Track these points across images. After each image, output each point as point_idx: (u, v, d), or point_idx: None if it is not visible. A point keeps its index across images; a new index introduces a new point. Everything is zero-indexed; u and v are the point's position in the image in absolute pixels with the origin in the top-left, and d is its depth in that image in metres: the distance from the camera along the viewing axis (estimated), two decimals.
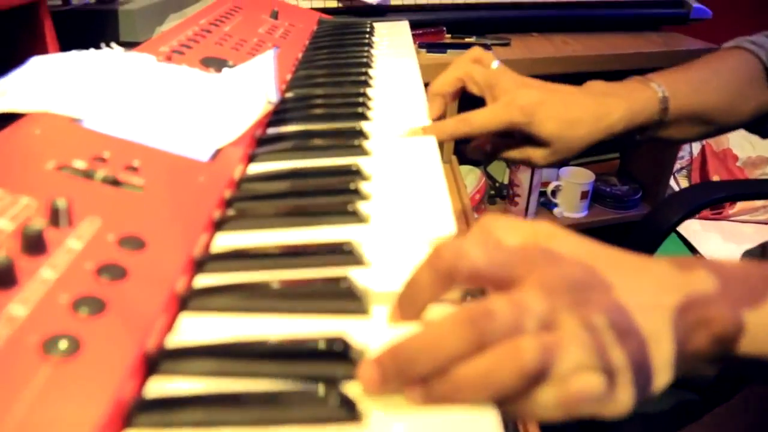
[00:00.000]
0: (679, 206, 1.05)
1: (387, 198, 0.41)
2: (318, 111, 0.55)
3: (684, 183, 2.23)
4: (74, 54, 0.53)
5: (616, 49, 1.19)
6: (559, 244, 0.30)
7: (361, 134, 0.49)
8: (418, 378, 0.25)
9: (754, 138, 2.53)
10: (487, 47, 1.11)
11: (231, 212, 0.39)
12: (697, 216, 2.15)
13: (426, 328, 0.26)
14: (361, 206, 0.38)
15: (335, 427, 0.24)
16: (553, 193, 1.37)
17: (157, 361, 0.27)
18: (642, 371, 0.27)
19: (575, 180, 1.35)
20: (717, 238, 2.10)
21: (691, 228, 2.09)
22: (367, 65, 0.70)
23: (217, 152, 0.44)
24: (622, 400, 0.27)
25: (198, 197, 0.39)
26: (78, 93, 0.46)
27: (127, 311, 0.28)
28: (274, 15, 0.85)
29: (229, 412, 0.24)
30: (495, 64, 0.58)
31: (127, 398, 0.25)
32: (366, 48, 0.76)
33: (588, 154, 1.55)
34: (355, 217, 0.37)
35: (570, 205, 1.38)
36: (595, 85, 0.59)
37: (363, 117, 0.54)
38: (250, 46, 0.70)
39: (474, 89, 0.56)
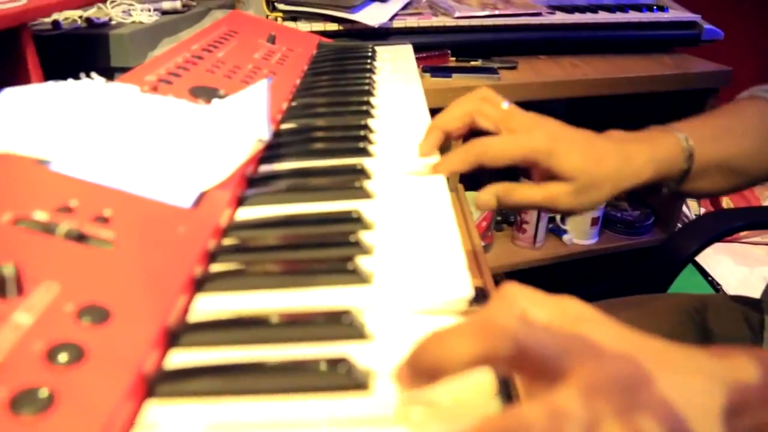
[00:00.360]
0: (696, 236, 1.01)
1: (392, 251, 0.36)
2: (316, 145, 0.51)
3: (693, 205, 2.19)
4: (50, 85, 0.49)
5: (626, 72, 1.15)
6: (596, 332, 0.25)
7: (362, 173, 0.45)
8: None
9: None
10: (493, 71, 1.07)
11: (215, 269, 0.34)
12: None
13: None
14: (362, 262, 0.33)
15: None
16: (563, 219, 1.32)
17: None
18: None
19: None
20: (728, 262, 2.04)
21: (702, 252, 2.03)
22: (369, 93, 0.65)
23: (202, 196, 0.39)
24: None
25: (176, 251, 0.34)
26: (48, 131, 0.41)
27: (80, 405, 0.23)
28: (272, 39, 0.81)
29: None
30: (505, 104, 0.52)
31: None
32: (368, 74, 0.71)
33: None
34: (356, 276, 0.32)
35: (580, 231, 1.33)
36: (615, 133, 0.54)
37: (365, 153, 0.49)
38: (244, 73, 0.66)
39: (486, 124, 0.50)
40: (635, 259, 1.43)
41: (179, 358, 0.28)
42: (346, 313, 0.29)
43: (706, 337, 0.82)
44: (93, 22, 0.94)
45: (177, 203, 0.38)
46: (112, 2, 0.99)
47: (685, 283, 1.78)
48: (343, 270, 0.32)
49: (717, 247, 2.08)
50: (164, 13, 1.04)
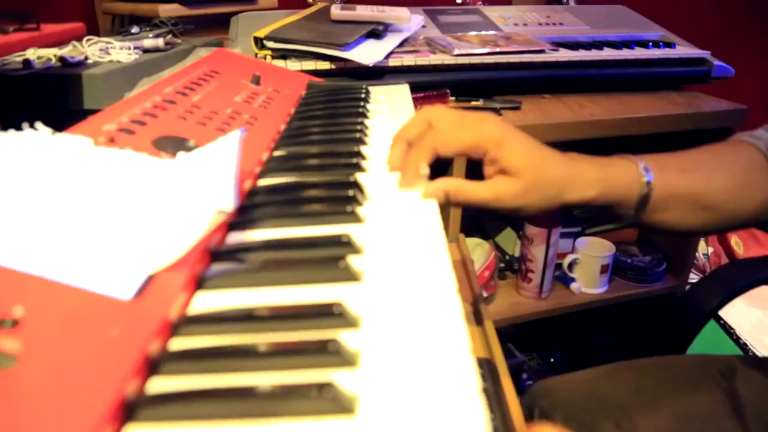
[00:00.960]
0: (718, 289, 0.93)
1: (390, 366, 0.28)
2: (297, 209, 0.43)
3: (702, 247, 2.11)
4: None
5: (636, 111, 1.08)
6: None
7: (349, 246, 0.37)
8: None
9: None
10: (496, 111, 1.01)
11: (154, 386, 0.26)
12: None
13: None
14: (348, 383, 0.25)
15: None
16: (570, 266, 1.24)
17: None
18: None
19: (594, 252, 1.23)
20: (741, 304, 1.96)
21: (725, 305, 1.95)
22: (361, 141, 0.58)
23: (148, 282, 0.32)
24: None
25: (104, 367, 0.26)
26: None
27: None
28: (256, 80, 0.74)
29: None
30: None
31: None
32: (360, 119, 0.64)
33: (604, 221, 1.43)
34: (333, 403, 0.24)
35: (589, 280, 1.24)
36: (571, 154, 0.55)
37: (354, 218, 0.41)
38: (221, 119, 0.58)
39: (442, 125, 0.51)
40: (647, 307, 1.35)
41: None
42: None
43: (736, 404, 0.74)
44: (67, 61, 0.87)
45: (115, 294, 0.30)
46: (88, 40, 0.93)
47: (706, 341, 1.68)
48: (322, 389, 0.24)
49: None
50: (146, 51, 0.98)
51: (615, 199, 0.55)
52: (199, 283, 0.35)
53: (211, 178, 0.37)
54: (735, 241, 2.13)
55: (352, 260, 0.35)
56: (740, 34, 2.21)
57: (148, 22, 1.19)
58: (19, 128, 0.45)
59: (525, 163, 0.50)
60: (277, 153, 0.57)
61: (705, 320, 0.92)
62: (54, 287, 0.29)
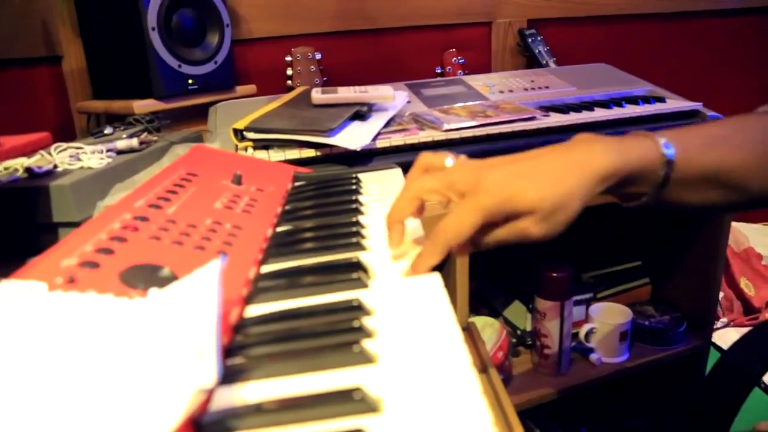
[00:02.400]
0: (756, 356, 0.85)
1: None
2: (297, 344, 0.36)
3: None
4: None
5: None
6: None
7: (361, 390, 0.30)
8: None
9: None
10: None
11: None
12: (733, 324, 1.95)
13: None
14: None
15: None
16: (587, 336, 1.17)
17: None
18: None
19: (610, 320, 1.15)
20: None
21: (728, 337, 1.87)
22: (359, 245, 0.52)
23: None
24: None
25: None
26: None
27: None
28: (237, 180, 0.68)
29: None
30: (449, 161, 0.53)
31: None
32: (354, 217, 0.58)
33: (615, 282, 1.37)
34: None
35: (608, 349, 1.16)
36: (582, 135, 0.52)
37: (364, 359, 0.34)
38: (200, 234, 0.52)
39: (435, 199, 0.50)
40: (672, 372, 1.26)
41: None
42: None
43: None
44: (33, 171, 0.81)
45: None
46: (57, 147, 0.87)
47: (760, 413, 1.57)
48: None
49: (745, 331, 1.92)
50: (120, 152, 0.93)
51: (634, 178, 0.51)
52: None
53: (188, 332, 0.30)
54: (744, 283, 2.07)
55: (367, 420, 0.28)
56: (726, 83, 2.23)
57: (122, 120, 1.14)
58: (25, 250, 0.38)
59: (537, 202, 0.46)
60: (266, 268, 0.50)
61: (750, 387, 0.83)
62: None
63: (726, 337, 1.88)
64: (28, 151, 0.74)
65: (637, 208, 0.57)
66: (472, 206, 0.47)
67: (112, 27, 1.22)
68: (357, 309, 0.39)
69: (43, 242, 0.81)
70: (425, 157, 0.54)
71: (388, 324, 0.38)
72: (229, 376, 0.34)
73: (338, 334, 0.37)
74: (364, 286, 0.44)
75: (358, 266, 0.46)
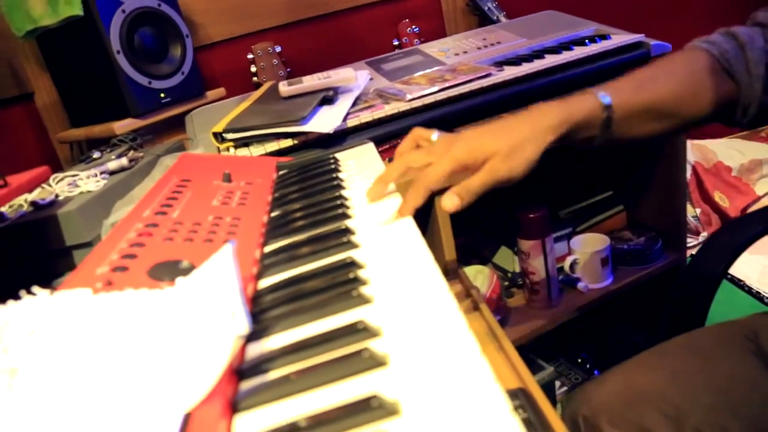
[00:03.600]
0: (717, 258, 0.94)
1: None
2: (305, 302, 0.44)
3: (690, 210, 2.15)
4: None
5: None
6: None
7: (366, 331, 0.38)
8: None
9: (740, 145, 2.44)
10: None
11: None
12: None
13: None
14: None
15: None
16: (572, 267, 1.26)
17: None
18: None
19: (590, 248, 1.24)
20: (744, 255, 1.99)
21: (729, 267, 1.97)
22: (345, 215, 0.59)
23: (186, 422, 0.32)
24: None
25: None
26: None
27: None
28: (227, 178, 0.75)
29: None
30: (434, 136, 0.65)
31: None
32: (337, 192, 0.66)
33: (591, 215, 1.45)
34: None
35: (592, 276, 1.26)
36: (535, 105, 0.65)
37: (362, 300, 0.42)
38: (206, 230, 0.59)
39: (420, 166, 0.60)
40: (656, 288, 1.36)
41: None
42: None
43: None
44: (38, 204, 0.88)
45: None
46: (55, 178, 0.94)
47: (728, 305, 1.69)
48: None
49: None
50: (112, 173, 0.99)
51: (583, 127, 0.64)
52: (235, 406, 0.35)
53: (218, 301, 0.37)
54: (719, 196, 2.17)
55: (371, 344, 0.36)
56: (670, 11, 2.30)
57: (106, 143, 1.20)
58: (15, 293, 0.45)
59: (496, 147, 0.59)
60: (268, 248, 0.58)
61: (716, 285, 0.92)
62: None
63: None
64: (33, 186, 0.80)
65: (597, 147, 0.68)
66: (447, 157, 0.59)
67: (78, 57, 1.27)
68: (351, 265, 0.47)
69: (61, 265, 0.88)
70: (415, 132, 0.67)
71: (379, 270, 0.46)
72: (255, 335, 0.42)
73: (338, 286, 0.45)
74: (355, 246, 0.52)
75: (346, 231, 0.54)
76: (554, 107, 0.63)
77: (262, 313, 0.45)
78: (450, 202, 0.59)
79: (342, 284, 0.45)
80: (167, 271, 0.50)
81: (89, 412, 0.32)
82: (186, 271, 0.49)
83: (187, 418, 0.32)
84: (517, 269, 1.27)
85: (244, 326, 0.35)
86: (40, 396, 0.33)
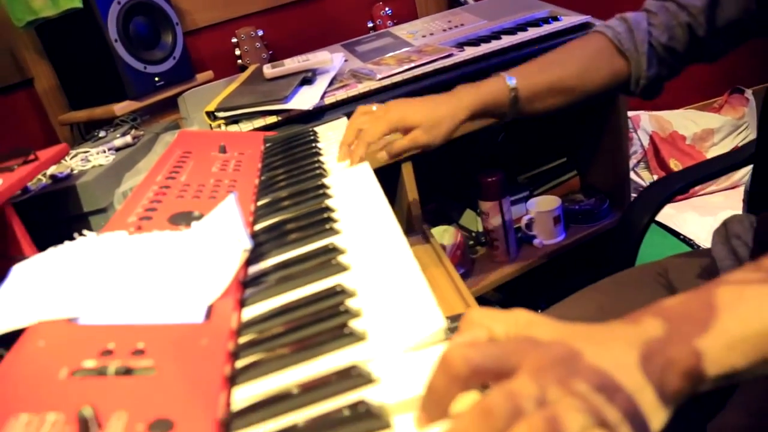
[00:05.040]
0: (642, 210, 1.10)
1: (374, 309, 0.44)
2: (290, 237, 0.59)
3: (646, 175, 2.32)
4: (51, 252, 0.56)
5: None
6: (538, 330, 0.33)
7: (335, 251, 0.53)
8: None
9: (694, 116, 2.61)
10: None
11: (240, 364, 0.42)
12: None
13: (451, 429, 0.29)
14: (354, 324, 0.41)
15: None
16: (528, 226, 1.42)
17: None
18: (636, 419, 0.30)
19: (544, 208, 1.40)
20: (693, 216, 2.16)
21: (666, 213, 2.15)
22: (322, 175, 0.74)
23: (210, 310, 0.47)
24: None
25: (206, 360, 0.41)
26: (65, 292, 0.48)
27: None
28: (222, 149, 0.89)
29: None
30: (374, 107, 0.81)
31: None
32: (316, 158, 0.80)
33: (547, 179, 1.61)
34: (352, 337, 0.40)
35: (546, 233, 1.42)
36: (458, 86, 0.80)
37: (333, 232, 0.57)
38: (209, 189, 0.74)
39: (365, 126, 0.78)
40: (604, 243, 1.52)
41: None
42: (354, 367, 0.36)
43: (673, 293, 0.90)
44: (57, 177, 1.02)
45: (191, 321, 0.45)
46: (68, 155, 1.07)
47: (662, 248, 1.89)
48: (341, 335, 0.40)
49: (679, 206, 2.21)
50: (118, 149, 1.13)
51: (494, 106, 0.78)
52: (242, 302, 0.50)
53: (227, 229, 0.52)
54: (674, 163, 2.34)
55: (339, 258, 0.51)
56: None
57: (108, 124, 1.33)
58: (60, 241, 0.59)
59: (421, 119, 0.76)
60: (260, 202, 0.72)
61: (644, 231, 1.08)
62: (154, 327, 0.44)
63: (664, 213, 2.15)
64: (57, 160, 0.94)
65: (512, 119, 0.83)
66: (382, 120, 0.77)
67: (77, 45, 1.39)
68: (326, 209, 0.62)
69: (79, 228, 1.02)
70: (361, 107, 0.83)
71: (347, 212, 0.61)
72: (252, 259, 0.57)
73: (315, 225, 0.60)
74: (329, 197, 0.67)
75: (322, 186, 0.69)
76: (469, 90, 0.78)
77: (258, 247, 0.60)
78: (381, 156, 0.79)
79: (318, 223, 0.60)
80: (183, 218, 0.64)
81: (149, 300, 0.47)
82: (198, 218, 0.64)
83: (210, 308, 0.47)
84: (480, 228, 1.43)
85: (248, 244, 0.50)
86: (115, 289, 0.48)
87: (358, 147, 0.76)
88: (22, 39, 1.56)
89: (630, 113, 2.28)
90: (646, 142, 2.34)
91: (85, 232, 0.60)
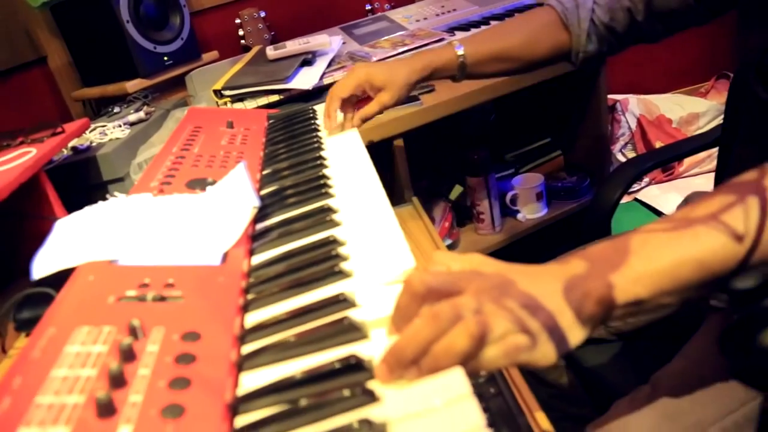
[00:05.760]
0: (614, 186, 1.20)
1: (361, 255, 0.54)
2: (290, 200, 0.69)
3: (632, 155, 2.41)
4: (89, 209, 0.67)
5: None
6: (485, 267, 0.44)
7: (329, 210, 0.63)
8: (411, 362, 0.38)
9: (680, 100, 2.71)
10: (415, 98, 1.26)
11: (249, 297, 0.52)
12: (654, 181, 2.33)
13: (407, 329, 0.39)
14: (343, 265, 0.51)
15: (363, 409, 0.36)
16: (512, 201, 1.52)
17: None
18: (555, 332, 0.40)
19: (528, 185, 1.50)
20: (675, 197, 2.26)
21: (651, 194, 2.26)
22: (319, 148, 0.84)
23: (226, 255, 0.57)
24: (546, 351, 0.41)
25: (224, 293, 0.52)
26: (105, 240, 0.59)
27: (205, 381, 0.40)
28: (230, 125, 0.99)
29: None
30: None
31: None
32: (314, 134, 0.90)
33: (532, 158, 1.71)
34: (341, 275, 0.50)
35: (529, 208, 1.52)
36: (413, 55, 0.93)
37: (328, 195, 0.67)
38: (220, 159, 0.84)
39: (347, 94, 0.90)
40: (583, 216, 1.62)
41: (246, 348, 0.45)
42: (340, 294, 0.47)
43: None
44: (78, 149, 1.11)
45: (210, 263, 0.55)
46: (88, 129, 1.16)
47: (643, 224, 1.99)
48: (332, 273, 0.50)
49: (663, 186, 2.31)
50: (132, 124, 1.22)
51: (443, 70, 0.90)
52: (251, 252, 0.60)
53: (239, 190, 0.62)
54: (660, 145, 2.43)
55: (334, 217, 0.61)
56: None
57: (120, 100, 1.42)
58: (83, 205, 0.69)
59: (384, 81, 0.87)
60: (265, 171, 0.82)
61: (615, 205, 1.18)
62: (180, 267, 0.55)
63: (649, 193, 2.25)
64: (80, 133, 1.03)
65: (462, 79, 0.94)
66: (350, 77, 0.88)
67: (91, 25, 1.48)
68: (322, 177, 0.72)
69: (98, 196, 1.12)
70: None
71: (341, 180, 0.71)
72: (260, 218, 0.67)
73: (314, 189, 0.69)
74: (326, 167, 0.77)
75: (320, 158, 0.79)
76: (424, 55, 0.90)
77: (263, 208, 0.70)
78: (354, 121, 0.90)
79: (315, 188, 0.70)
80: (198, 183, 0.74)
81: (175, 246, 0.57)
82: (211, 184, 0.74)
83: (226, 254, 0.57)
84: (468, 203, 1.53)
85: (257, 202, 0.60)
86: (146, 237, 0.58)
87: (331, 102, 0.88)
88: (36, 18, 1.64)
89: (619, 97, 2.38)
90: (633, 124, 2.42)
91: (116, 193, 0.70)
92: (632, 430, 0.68)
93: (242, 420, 0.39)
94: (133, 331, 0.44)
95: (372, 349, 0.42)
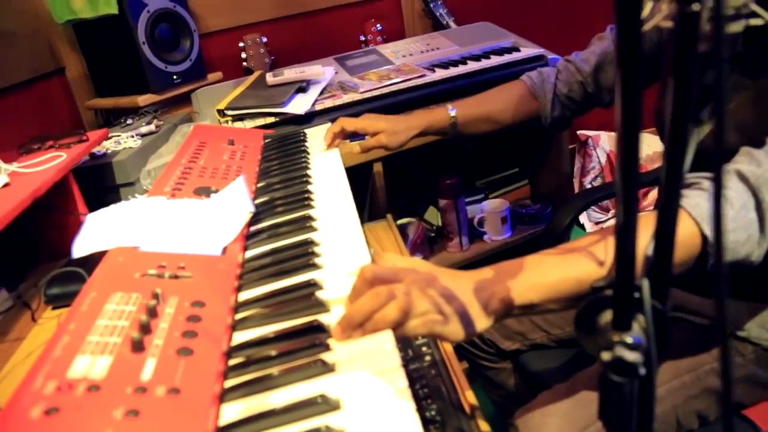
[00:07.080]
0: (565, 216, 1.37)
1: (332, 254, 0.70)
2: (279, 209, 0.85)
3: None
4: (114, 206, 0.82)
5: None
6: (420, 266, 0.60)
7: (309, 218, 0.79)
8: (357, 325, 0.53)
9: (647, 139, 2.93)
10: None
11: (243, 281, 0.68)
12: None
13: (356, 303, 0.55)
14: (317, 260, 0.67)
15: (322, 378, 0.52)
16: (480, 223, 1.68)
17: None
18: (464, 317, 0.56)
19: (494, 209, 1.67)
20: None
21: (573, 223, 2.43)
22: (306, 167, 1.00)
23: (225, 248, 0.73)
24: (456, 330, 0.57)
25: (223, 276, 0.67)
26: (129, 231, 0.74)
27: (208, 334, 0.56)
28: (231, 142, 1.15)
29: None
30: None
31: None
32: (303, 154, 1.06)
33: (501, 185, 1.88)
34: (312, 268, 0.66)
35: (495, 230, 1.68)
36: (413, 112, 1.18)
37: (309, 207, 0.83)
38: (222, 172, 0.99)
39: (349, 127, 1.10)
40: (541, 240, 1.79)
41: (240, 315, 0.61)
42: (311, 279, 0.62)
43: None
44: (96, 154, 1.27)
45: (213, 253, 0.71)
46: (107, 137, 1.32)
47: None
48: (307, 266, 0.66)
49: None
50: (144, 135, 1.37)
51: (436, 128, 1.09)
52: (245, 247, 0.76)
53: (238, 198, 0.78)
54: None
55: (313, 224, 0.77)
56: (575, 28, 2.68)
57: (130, 112, 1.58)
58: (100, 205, 0.85)
59: (385, 126, 1.06)
60: (259, 184, 0.98)
61: (567, 230, 1.34)
62: (190, 255, 0.70)
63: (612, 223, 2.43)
64: (101, 141, 1.18)
65: (452, 137, 1.11)
66: (359, 120, 1.08)
67: (109, 44, 1.64)
68: (306, 192, 0.88)
69: (111, 198, 1.27)
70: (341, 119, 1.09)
71: (322, 193, 0.87)
72: (254, 221, 0.82)
73: (299, 202, 0.85)
74: (310, 183, 0.92)
75: (306, 176, 0.95)
76: (421, 114, 1.11)
77: (257, 215, 0.85)
78: (355, 149, 1.09)
79: (299, 201, 0.86)
80: (204, 191, 0.90)
81: (186, 239, 0.72)
82: (215, 192, 0.90)
83: (226, 248, 0.73)
84: (440, 223, 1.69)
85: (252, 208, 0.76)
86: (162, 231, 0.73)
87: (337, 126, 1.07)
88: (58, 32, 1.80)
89: (591, 133, 2.56)
90: (603, 159, 2.61)
91: (136, 195, 0.86)
92: (550, 414, 0.84)
93: (233, 362, 0.54)
94: (155, 297, 0.59)
95: (332, 318, 0.58)
